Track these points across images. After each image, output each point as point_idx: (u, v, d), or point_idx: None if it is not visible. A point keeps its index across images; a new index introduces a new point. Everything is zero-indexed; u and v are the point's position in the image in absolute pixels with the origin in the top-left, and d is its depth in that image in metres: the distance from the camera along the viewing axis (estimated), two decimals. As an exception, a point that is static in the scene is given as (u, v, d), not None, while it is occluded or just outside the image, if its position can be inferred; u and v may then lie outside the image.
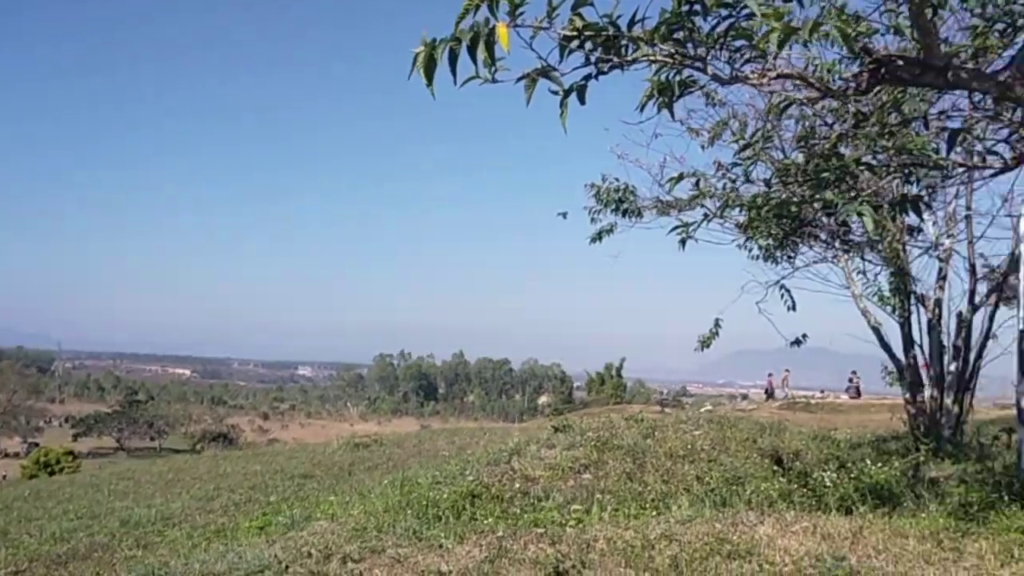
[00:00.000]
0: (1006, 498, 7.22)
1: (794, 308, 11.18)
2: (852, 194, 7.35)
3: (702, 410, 28.79)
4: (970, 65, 6.66)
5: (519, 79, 5.37)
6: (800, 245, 11.87)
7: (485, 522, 7.43)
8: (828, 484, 8.90)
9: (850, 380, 37.75)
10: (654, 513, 7.71)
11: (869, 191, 7.51)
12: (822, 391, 47.35)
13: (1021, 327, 7.67)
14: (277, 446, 32.47)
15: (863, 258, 12.23)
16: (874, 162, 7.76)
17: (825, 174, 7.54)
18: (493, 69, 5.16)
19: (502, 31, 4.85)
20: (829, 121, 8.13)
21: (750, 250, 12.02)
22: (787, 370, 44.26)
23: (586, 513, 7.63)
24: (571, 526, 6.94)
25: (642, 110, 6.13)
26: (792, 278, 11.60)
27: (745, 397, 53.01)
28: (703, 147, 10.42)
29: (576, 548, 6.06)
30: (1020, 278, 7.46)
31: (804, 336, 12.27)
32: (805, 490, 8.90)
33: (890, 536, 6.19)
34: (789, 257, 12.16)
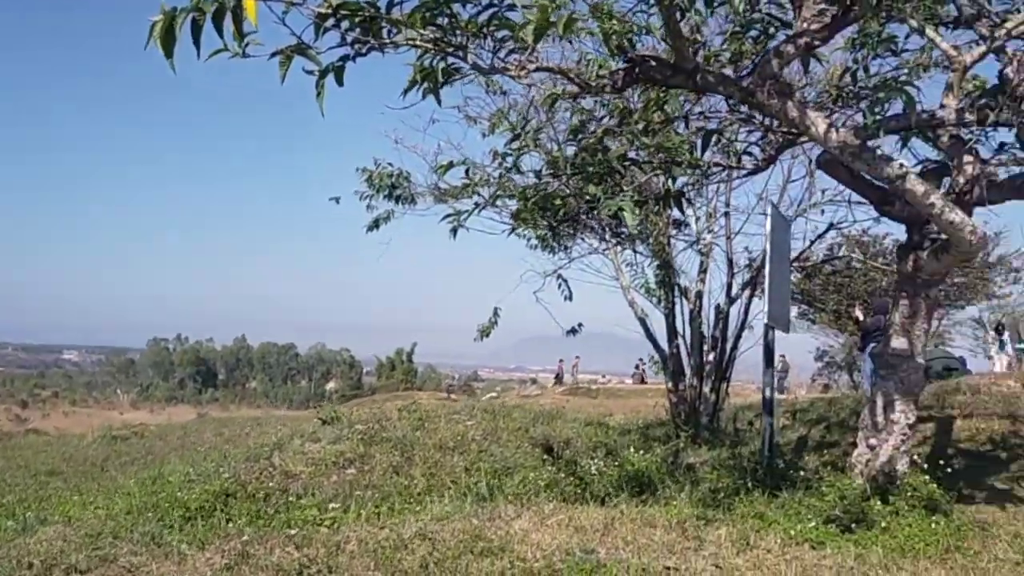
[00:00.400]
0: (750, 484, 7.55)
1: (571, 297, 11.39)
2: (617, 188, 7.48)
3: (487, 397, 29.13)
4: (728, 70, 6.93)
5: (272, 55, 5.06)
6: (576, 236, 12.09)
7: (235, 524, 7.02)
8: (594, 472, 9.04)
9: (636, 367, 39.33)
10: (418, 508, 7.56)
11: (634, 186, 7.65)
12: (604, 376, 49.16)
13: (766, 320, 8.05)
14: (32, 438, 30.01)
15: (634, 251, 12.61)
16: (637, 158, 7.93)
17: (591, 168, 7.63)
18: (243, 43, 4.84)
19: (249, 4, 4.53)
20: (599, 116, 8.23)
21: (528, 240, 12.12)
22: (577, 356, 45.58)
23: (344, 512, 7.36)
24: (326, 526, 6.67)
25: (405, 95, 5.97)
26: (569, 268, 11.85)
27: (534, 382, 54.14)
28: (484, 135, 10.37)
29: (325, 551, 5.78)
30: (766, 274, 7.82)
31: (580, 325, 12.53)
32: (572, 478, 9.01)
33: (640, 526, 6.31)
34: (565, 247, 12.37)
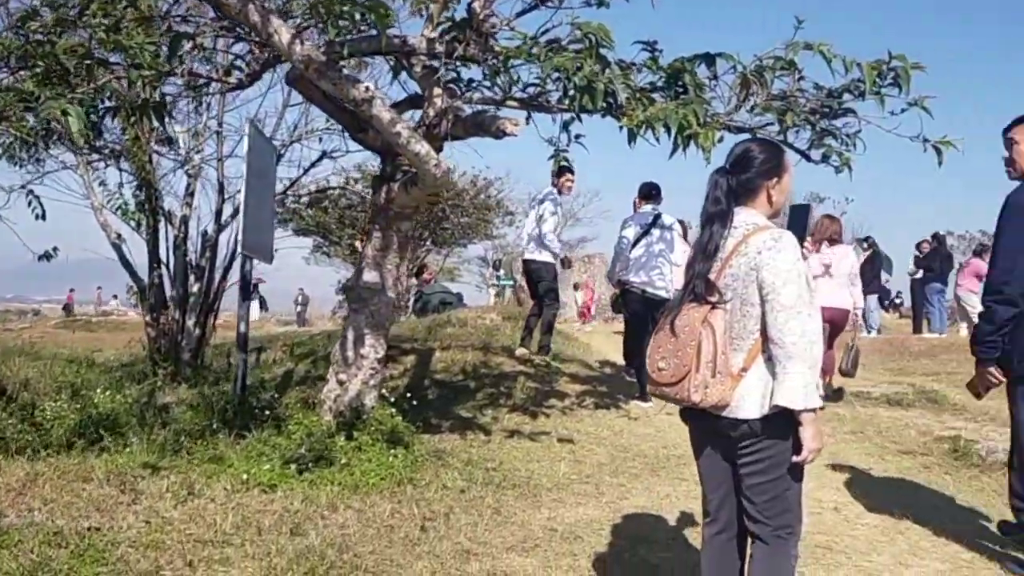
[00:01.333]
0: (216, 425, 7.01)
1: (43, 217, 9.91)
2: (70, 90, 6.39)
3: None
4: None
5: None
6: (45, 148, 10.55)
7: None
8: (51, 417, 7.89)
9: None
10: None
11: (89, 88, 6.59)
12: (117, 300, 45.22)
13: (241, 249, 7.47)
14: None
15: (119, 168, 11.26)
16: (102, 57, 6.89)
17: (40, 62, 6.49)
18: None
19: None
20: (59, 5, 7.00)
21: (-11, 147, 10.34)
22: (99, 287, 41.96)
23: None
24: None
25: None
26: (42, 184, 10.38)
27: (36, 313, 48.66)
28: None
29: None
30: (242, 199, 7.20)
31: (55, 249, 11.01)
32: (24, 426, 7.76)
33: (72, 481, 5.48)
34: (37, 159, 10.81)
